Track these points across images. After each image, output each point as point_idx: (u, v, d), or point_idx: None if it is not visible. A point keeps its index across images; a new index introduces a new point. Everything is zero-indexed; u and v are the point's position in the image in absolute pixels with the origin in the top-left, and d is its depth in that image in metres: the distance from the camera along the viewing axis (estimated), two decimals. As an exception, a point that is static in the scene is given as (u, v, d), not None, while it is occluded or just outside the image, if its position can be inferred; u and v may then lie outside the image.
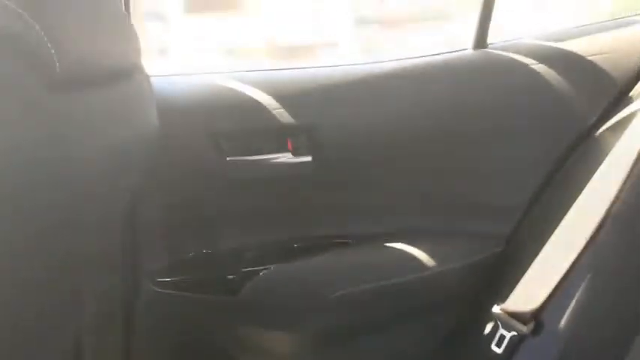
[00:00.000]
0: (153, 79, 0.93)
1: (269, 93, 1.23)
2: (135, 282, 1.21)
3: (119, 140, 0.74)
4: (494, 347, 0.95)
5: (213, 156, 1.23)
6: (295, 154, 1.25)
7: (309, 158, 1.25)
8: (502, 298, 0.99)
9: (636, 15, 1.38)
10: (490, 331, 1.01)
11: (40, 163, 0.56)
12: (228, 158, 1.24)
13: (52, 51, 0.56)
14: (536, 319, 0.91)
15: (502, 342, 0.94)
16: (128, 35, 0.78)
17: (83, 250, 0.72)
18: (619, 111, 1.18)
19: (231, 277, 1.26)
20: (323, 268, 1.25)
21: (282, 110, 1.22)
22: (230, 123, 1.24)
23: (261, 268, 1.25)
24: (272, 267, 1.25)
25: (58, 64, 0.57)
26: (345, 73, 1.29)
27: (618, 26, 1.36)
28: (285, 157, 1.25)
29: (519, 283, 0.99)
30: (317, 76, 1.29)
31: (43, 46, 0.55)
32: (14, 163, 0.53)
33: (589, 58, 1.27)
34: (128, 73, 0.80)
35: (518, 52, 1.29)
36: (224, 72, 1.29)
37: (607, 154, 0.99)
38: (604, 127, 1.19)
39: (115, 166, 0.74)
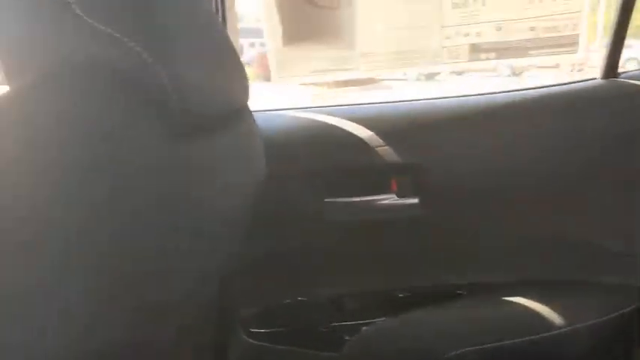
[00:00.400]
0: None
1: (371, 129, 1.13)
2: (228, 331, 1.14)
3: (236, 184, 0.71)
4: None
5: (310, 197, 1.14)
6: (400, 195, 1.15)
7: (415, 200, 1.14)
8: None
9: None
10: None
11: (162, 211, 0.53)
12: (326, 199, 1.14)
13: (175, 97, 0.53)
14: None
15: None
16: (240, 73, 0.72)
17: (184, 294, 0.66)
18: None
19: (329, 330, 1.16)
20: (433, 324, 1.12)
21: (386, 147, 1.12)
22: (328, 161, 1.15)
23: (363, 321, 1.14)
24: (375, 321, 1.13)
25: (179, 110, 0.53)
26: (456, 106, 1.17)
27: None
28: (390, 199, 1.15)
29: None
30: (425, 109, 1.18)
31: (165, 93, 0.52)
32: (136, 211, 0.50)
33: None
34: (240, 113, 0.75)
35: None
36: (323, 106, 1.20)
37: None
38: None
39: (231, 211, 0.70)
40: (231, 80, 0.70)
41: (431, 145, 1.14)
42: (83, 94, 0.49)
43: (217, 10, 1.16)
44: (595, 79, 1.18)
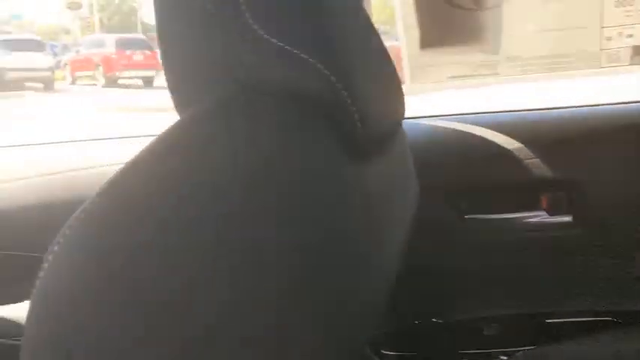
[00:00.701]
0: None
1: (519, 139, 1.04)
2: (358, 352, 1.08)
3: (401, 200, 0.68)
4: None
5: (450, 212, 1.06)
6: (552, 213, 1.06)
7: (569, 218, 1.04)
8: None
9: None
10: None
11: (338, 236, 0.49)
12: (466, 216, 1.06)
13: (357, 118, 0.50)
14: None
15: None
16: (398, 85, 0.68)
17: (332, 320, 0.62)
18: None
19: (464, 357, 1.08)
20: (588, 356, 1.01)
21: (535, 160, 1.03)
22: (470, 175, 1.07)
23: (502, 350, 1.05)
24: (517, 350, 1.04)
25: (361, 131, 0.51)
26: (616, 114, 1.06)
27: None
28: (539, 217, 1.05)
29: None
30: (583, 117, 1.07)
31: (348, 114, 0.50)
32: (315, 234, 0.46)
33: None
34: (399, 128, 0.71)
35: None
36: (465, 114, 1.11)
37: None
38: None
39: (397, 229, 0.67)
40: (393, 93, 0.66)
41: (586, 158, 1.04)
42: (262, 117, 0.46)
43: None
44: None
